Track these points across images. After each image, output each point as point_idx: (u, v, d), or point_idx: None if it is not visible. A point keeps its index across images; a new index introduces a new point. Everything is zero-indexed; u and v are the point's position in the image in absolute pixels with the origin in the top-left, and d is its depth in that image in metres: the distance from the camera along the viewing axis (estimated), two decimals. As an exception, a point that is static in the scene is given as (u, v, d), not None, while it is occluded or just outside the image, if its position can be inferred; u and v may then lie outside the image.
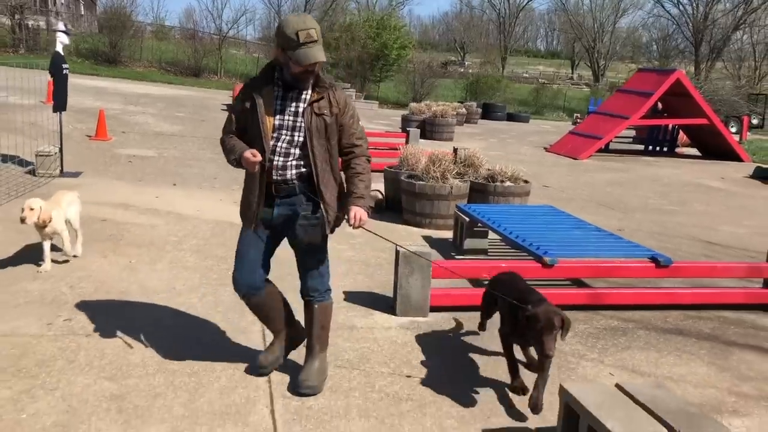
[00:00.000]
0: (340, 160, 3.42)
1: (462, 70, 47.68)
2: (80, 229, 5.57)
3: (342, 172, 3.47)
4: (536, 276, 5.03)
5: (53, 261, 5.21)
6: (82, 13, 45.25)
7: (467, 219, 6.44)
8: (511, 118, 26.08)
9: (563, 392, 3.00)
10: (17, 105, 11.23)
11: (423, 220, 7.42)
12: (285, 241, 3.60)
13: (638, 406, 2.83)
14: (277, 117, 3.26)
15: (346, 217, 3.35)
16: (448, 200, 7.31)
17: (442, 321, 4.70)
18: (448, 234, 7.09)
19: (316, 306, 3.60)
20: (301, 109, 3.25)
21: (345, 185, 3.46)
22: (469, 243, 6.47)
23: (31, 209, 4.92)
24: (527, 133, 21.50)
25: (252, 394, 3.46)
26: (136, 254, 5.69)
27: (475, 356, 4.15)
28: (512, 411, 3.46)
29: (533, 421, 3.37)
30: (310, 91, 3.26)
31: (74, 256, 5.39)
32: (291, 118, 3.26)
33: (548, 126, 25.16)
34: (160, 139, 12.51)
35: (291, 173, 3.31)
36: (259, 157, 3.20)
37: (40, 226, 5.02)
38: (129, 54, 29.17)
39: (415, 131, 13.26)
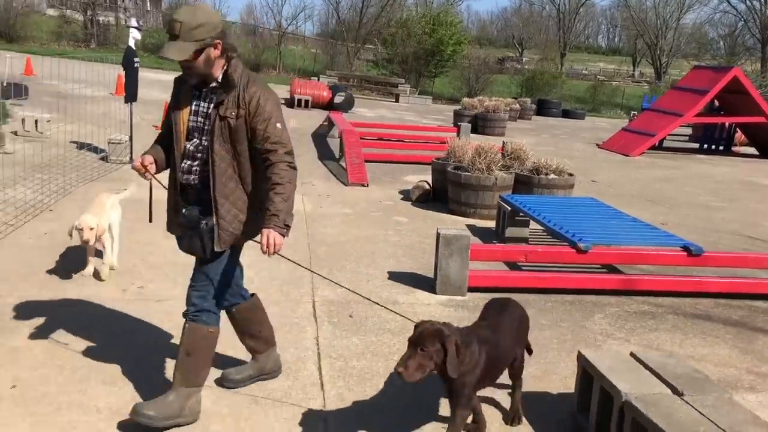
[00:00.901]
0: None
1: (519, 66, 47.43)
2: (117, 237, 5.16)
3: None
4: (571, 261, 5.30)
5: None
6: (149, 9, 46.93)
7: (509, 208, 6.72)
8: (566, 114, 25.97)
9: (581, 358, 3.30)
10: (90, 96, 12.01)
11: (468, 209, 7.73)
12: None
13: (648, 371, 3.11)
14: (191, 118, 3.01)
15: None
16: (492, 191, 7.59)
17: (479, 300, 5.01)
18: (492, 224, 7.38)
19: (186, 325, 3.13)
20: (209, 111, 2.98)
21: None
22: (510, 231, 6.75)
23: (91, 229, 4.67)
24: (581, 129, 21.44)
25: (302, 354, 3.87)
26: (200, 233, 6.20)
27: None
28: (538, 381, 3.78)
29: (555, 386, 3.68)
30: (221, 91, 2.96)
31: (111, 269, 5.03)
32: (201, 119, 3.00)
33: (604, 123, 24.96)
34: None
35: (195, 178, 3.03)
36: (138, 164, 3.11)
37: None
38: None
39: (466, 126, 13.52)
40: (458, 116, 17.55)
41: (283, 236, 2.94)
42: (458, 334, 2.81)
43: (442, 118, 19.50)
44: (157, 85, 18.84)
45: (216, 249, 3.05)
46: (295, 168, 3.01)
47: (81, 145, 9.73)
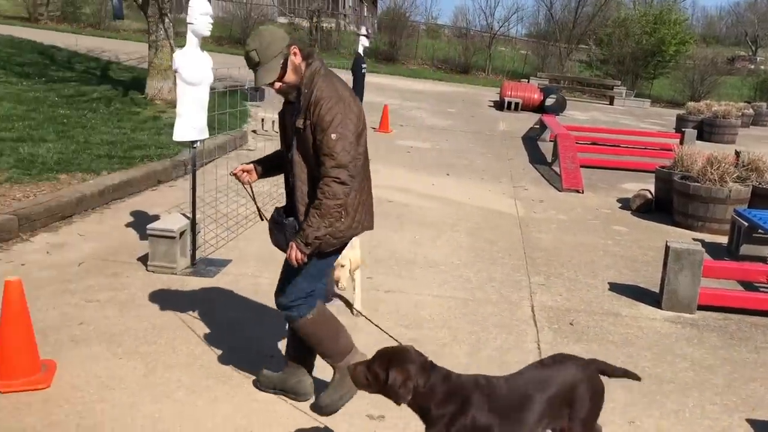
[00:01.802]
0: None
1: (752, 66, 42.95)
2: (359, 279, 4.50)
3: None
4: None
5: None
6: (365, 14, 49.51)
7: (746, 224, 6.20)
8: (811, 121, 23.06)
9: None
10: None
11: (695, 222, 7.24)
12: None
13: None
14: (288, 130, 3.15)
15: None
16: (725, 204, 7.04)
17: (710, 319, 4.72)
18: (723, 239, 6.85)
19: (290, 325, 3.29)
20: (292, 123, 3.06)
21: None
22: (745, 249, 6.23)
23: (342, 266, 4.12)
24: (828, 138, 18.94)
25: (524, 356, 3.94)
26: (419, 231, 6.49)
27: (741, 358, 4.16)
28: (782, 411, 3.49)
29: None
30: (298, 102, 3.02)
31: (357, 314, 4.33)
32: (289, 132, 3.12)
33: None
34: (433, 132, 13.54)
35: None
36: (236, 171, 3.29)
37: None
38: (405, 52, 31.38)
39: (691, 132, 12.63)
40: (681, 121, 16.39)
41: (304, 253, 2.94)
42: (421, 371, 2.41)
43: (662, 123, 18.34)
44: (373, 88, 19.83)
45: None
46: (343, 183, 2.89)
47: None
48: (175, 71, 4.65)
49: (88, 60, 17.98)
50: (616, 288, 5.26)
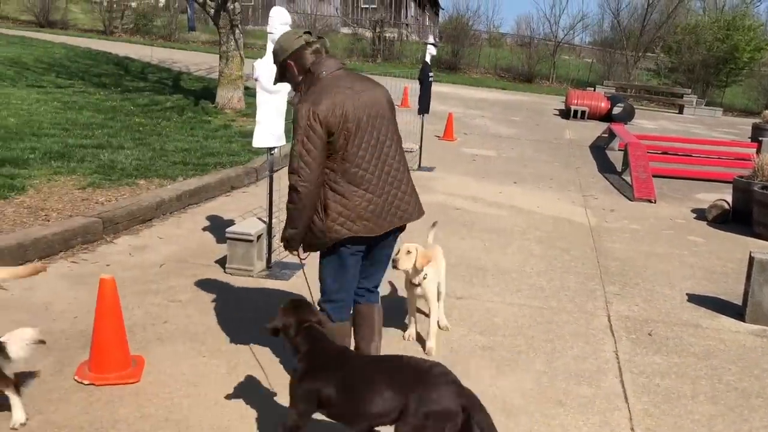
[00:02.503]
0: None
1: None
2: (444, 296, 4.37)
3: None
4: None
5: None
6: (426, 23, 49.67)
7: (833, 236, 5.94)
8: None
9: None
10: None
11: (776, 234, 6.98)
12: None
13: None
14: None
15: None
16: (809, 215, 6.77)
17: (798, 334, 4.54)
18: (807, 251, 6.58)
19: None
20: None
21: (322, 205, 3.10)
22: (833, 262, 5.95)
23: (408, 252, 3.92)
24: None
25: (602, 366, 3.87)
26: (488, 238, 6.47)
27: (836, 373, 3.98)
28: None
29: None
30: None
31: (445, 328, 4.26)
32: None
33: None
34: (498, 140, 13.46)
35: None
36: None
37: (410, 282, 4.02)
38: (467, 61, 31.31)
39: (768, 141, 12.15)
40: (758, 130, 15.75)
41: (288, 250, 3.31)
42: (298, 326, 2.81)
43: (735, 132, 17.71)
44: (436, 97, 19.73)
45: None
46: (293, 188, 3.04)
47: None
48: (256, 79, 4.79)
49: (160, 70, 18.64)
50: (694, 299, 5.12)
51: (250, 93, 14.10)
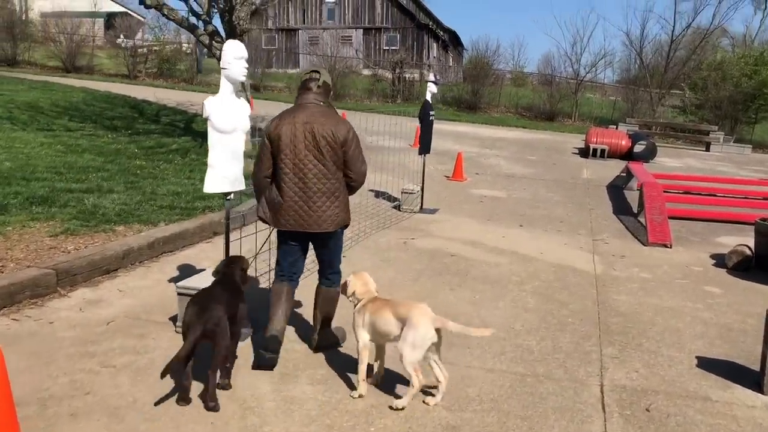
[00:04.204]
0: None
1: None
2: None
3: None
4: None
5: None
6: (450, 64, 49.71)
7: None
8: None
9: None
10: (389, 147, 12.71)
11: (804, 283, 6.29)
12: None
13: None
14: None
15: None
16: (840, 263, 6.08)
17: (827, 409, 3.86)
18: (839, 304, 5.87)
19: None
20: None
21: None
22: None
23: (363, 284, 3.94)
24: None
25: (585, 452, 3.27)
26: (480, 290, 5.90)
27: None
28: None
29: None
30: None
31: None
32: None
33: None
34: (511, 180, 12.92)
35: None
36: None
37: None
38: (488, 100, 30.96)
39: (798, 179, 11.40)
40: (787, 168, 14.99)
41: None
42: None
43: (765, 170, 16.91)
44: (453, 136, 19.53)
45: None
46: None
47: (378, 194, 10.24)
48: (206, 119, 4.37)
49: (175, 113, 18.60)
50: (705, 364, 4.47)
51: (257, 134, 13.87)
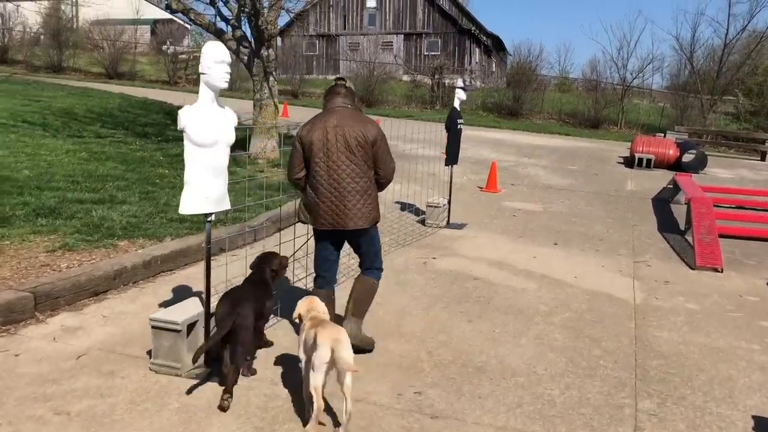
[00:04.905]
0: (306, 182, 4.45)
1: None
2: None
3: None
4: None
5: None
6: (493, 69, 48.83)
7: None
8: None
9: None
10: (420, 156, 12.10)
11: None
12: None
13: None
14: None
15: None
16: None
17: None
18: None
19: None
20: None
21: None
22: None
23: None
24: None
25: None
26: (502, 322, 5.26)
27: None
28: None
29: None
30: None
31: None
32: None
33: None
34: (548, 192, 12.18)
35: None
36: None
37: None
38: (530, 107, 30.06)
39: None
40: None
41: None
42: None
43: (827, 182, 15.73)
44: (491, 144, 18.82)
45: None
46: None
47: (404, 206, 9.66)
48: (181, 131, 3.87)
49: (207, 120, 18.35)
50: (764, 427, 3.75)
51: (287, 142, 13.45)
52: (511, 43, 58.60)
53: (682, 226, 9.36)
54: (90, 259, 6.03)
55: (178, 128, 3.89)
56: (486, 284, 6.29)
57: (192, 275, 6.20)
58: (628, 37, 43.92)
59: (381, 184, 4.47)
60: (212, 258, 6.86)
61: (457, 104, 8.77)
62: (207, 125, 3.89)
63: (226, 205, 4.17)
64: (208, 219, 4.14)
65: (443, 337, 4.85)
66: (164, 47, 34.30)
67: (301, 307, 3.84)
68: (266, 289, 4.23)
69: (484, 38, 45.00)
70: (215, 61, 3.84)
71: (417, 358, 4.48)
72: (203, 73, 3.88)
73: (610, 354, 4.69)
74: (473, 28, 42.77)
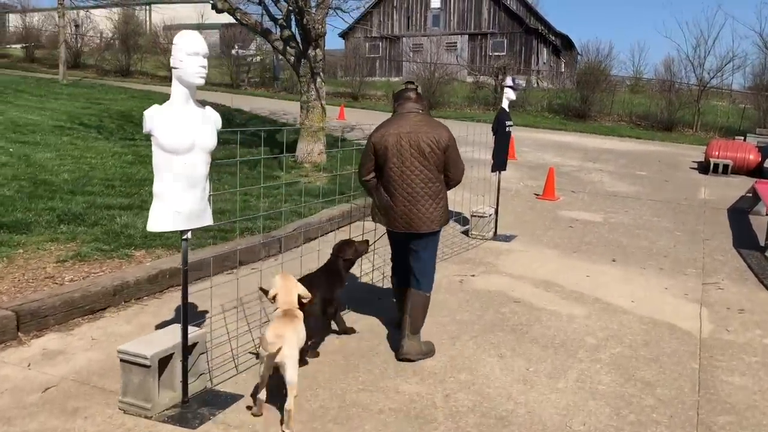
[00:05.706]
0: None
1: None
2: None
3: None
4: None
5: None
6: (562, 70, 47.23)
7: None
8: None
9: None
10: (477, 160, 11.35)
11: None
12: None
13: None
14: None
15: None
16: None
17: None
18: None
19: None
20: None
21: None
22: None
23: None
24: None
25: None
26: (537, 359, 4.51)
27: None
28: None
29: None
30: None
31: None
32: None
33: None
34: (612, 200, 11.21)
35: None
36: None
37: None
38: (599, 108, 28.67)
39: None
40: None
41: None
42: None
43: None
44: (555, 147, 17.87)
45: None
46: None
47: (450, 215, 8.94)
48: (147, 134, 3.34)
49: (263, 123, 18.09)
50: None
51: (334, 144, 12.95)
52: (580, 43, 56.54)
53: (762, 242, 8.29)
54: (99, 272, 5.64)
55: (144, 131, 3.36)
56: (526, 309, 5.54)
57: (204, 292, 5.70)
58: (705, 34, 41.53)
59: (449, 185, 4.54)
60: (229, 272, 6.45)
61: (505, 104, 8.02)
62: (179, 128, 3.34)
63: (207, 221, 3.61)
64: (184, 237, 3.58)
65: (466, 377, 4.16)
66: (233, 51, 34.56)
67: (277, 288, 3.81)
68: (338, 277, 4.54)
69: (553, 38, 43.56)
70: (188, 53, 3.29)
71: (430, 403, 3.80)
72: (175, 68, 3.33)
73: (666, 405, 3.89)
74: (541, 28, 41.48)
